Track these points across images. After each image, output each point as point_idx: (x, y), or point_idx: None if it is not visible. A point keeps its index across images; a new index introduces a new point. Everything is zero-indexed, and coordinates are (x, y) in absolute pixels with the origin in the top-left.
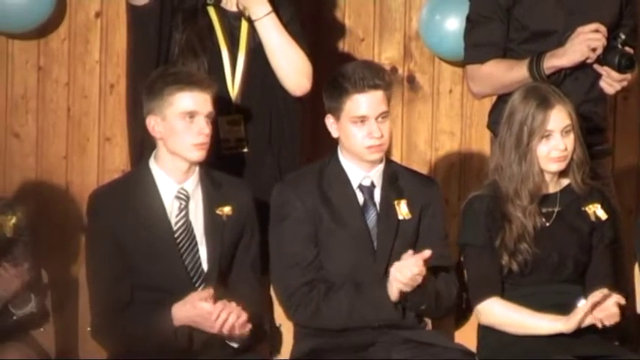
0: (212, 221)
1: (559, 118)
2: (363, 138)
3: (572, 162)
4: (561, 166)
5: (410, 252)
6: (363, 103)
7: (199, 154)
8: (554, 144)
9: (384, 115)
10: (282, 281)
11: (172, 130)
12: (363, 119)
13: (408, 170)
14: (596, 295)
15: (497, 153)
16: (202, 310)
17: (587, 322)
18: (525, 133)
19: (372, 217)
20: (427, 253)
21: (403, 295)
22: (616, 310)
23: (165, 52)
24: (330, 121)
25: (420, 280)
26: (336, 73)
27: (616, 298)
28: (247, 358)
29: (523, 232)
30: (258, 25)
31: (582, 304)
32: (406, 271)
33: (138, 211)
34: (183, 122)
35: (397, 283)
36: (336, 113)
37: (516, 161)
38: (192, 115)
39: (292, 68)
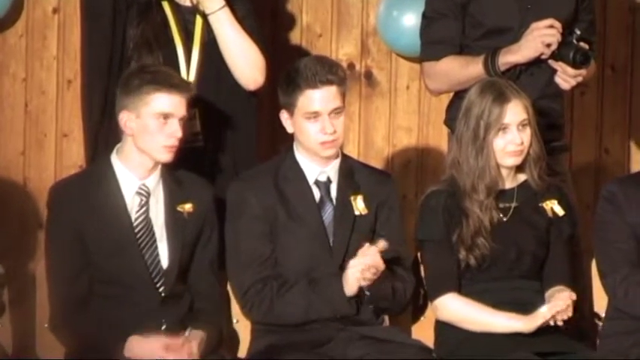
0: (173, 218)
1: (515, 111)
2: (316, 134)
3: (529, 157)
4: (517, 160)
5: (366, 245)
6: (316, 98)
7: (168, 156)
8: (511, 138)
9: (338, 110)
10: (237, 278)
11: (145, 128)
12: (315, 115)
13: (365, 166)
14: (558, 305)
15: (454, 148)
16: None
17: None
18: (482, 127)
19: (328, 213)
20: (382, 244)
21: (360, 291)
22: (569, 306)
23: (120, 47)
24: (284, 116)
25: (378, 273)
26: (290, 68)
27: (568, 296)
28: None
29: (480, 227)
30: (211, 19)
31: (544, 310)
32: (361, 266)
33: (98, 205)
34: (157, 122)
35: (354, 278)
36: (290, 109)
37: (473, 155)
38: (166, 116)
39: (246, 62)
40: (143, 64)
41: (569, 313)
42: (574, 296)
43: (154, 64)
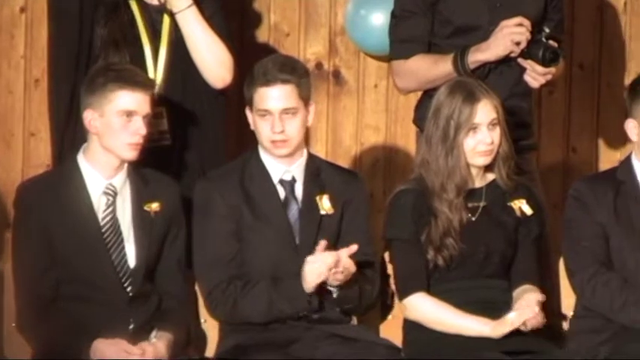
0: (140, 218)
1: (485, 111)
2: (267, 132)
3: (498, 156)
4: (487, 160)
5: (323, 243)
6: (267, 96)
7: (133, 154)
8: (481, 138)
9: (291, 111)
10: (203, 278)
11: (109, 127)
12: (266, 113)
13: (331, 165)
14: (526, 313)
15: (423, 147)
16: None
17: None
18: (452, 127)
19: (293, 212)
20: (354, 247)
21: (323, 289)
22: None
23: (87, 46)
24: (248, 113)
25: (349, 276)
26: (255, 65)
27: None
28: None
29: (449, 227)
30: (179, 17)
31: (512, 317)
32: (318, 264)
33: (65, 205)
34: (121, 120)
35: (311, 275)
36: (250, 105)
37: (443, 155)
38: (130, 114)
39: (213, 61)
40: (107, 63)
41: (540, 320)
42: (543, 298)
43: (117, 63)
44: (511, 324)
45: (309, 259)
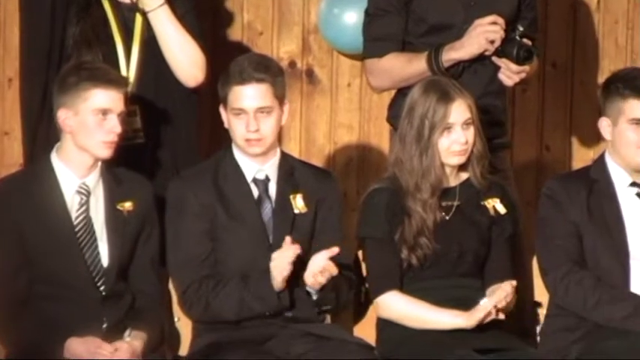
0: (113, 217)
1: (460, 111)
2: (241, 131)
3: (472, 155)
4: (462, 159)
5: (287, 239)
6: (242, 95)
7: (107, 152)
8: (456, 137)
9: (266, 110)
10: (177, 277)
11: (84, 125)
12: (241, 112)
13: (304, 164)
14: (498, 295)
15: (397, 147)
16: (97, 356)
17: (488, 318)
18: (426, 127)
19: (267, 211)
20: (335, 249)
21: (289, 286)
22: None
23: (59, 45)
24: (222, 111)
25: (328, 277)
26: (230, 64)
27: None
28: None
29: (422, 227)
30: (151, 16)
31: (484, 302)
32: (281, 260)
33: (38, 204)
34: (96, 119)
35: (276, 272)
36: (224, 104)
37: (417, 155)
38: (105, 112)
39: (186, 60)
40: (79, 62)
41: (509, 300)
42: (514, 283)
43: (90, 61)
44: (484, 309)
45: (273, 255)
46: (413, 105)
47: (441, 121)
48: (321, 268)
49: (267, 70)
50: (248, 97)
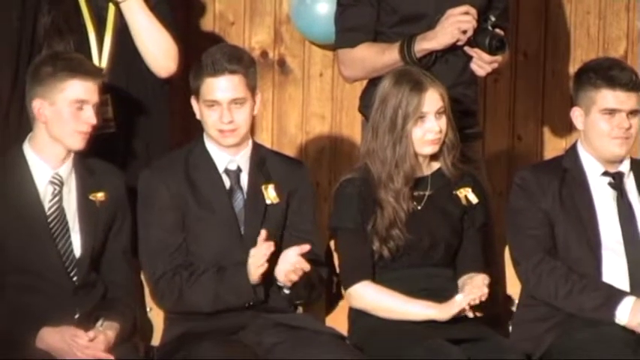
0: (85, 207)
1: (433, 100)
2: (214, 122)
3: (444, 145)
4: (435, 148)
5: (263, 233)
6: (215, 87)
7: (81, 143)
8: (429, 126)
9: (239, 101)
10: (148, 268)
11: (59, 116)
12: (214, 103)
13: (276, 154)
14: (474, 293)
15: (369, 138)
16: (72, 344)
17: (461, 314)
18: (400, 117)
19: (238, 202)
20: (306, 247)
21: (266, 279)
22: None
23: (30, 34)
24: (194, 102)
25: (300, 273)
26: (202, 55)
27: (481, 280)
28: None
29: (395, 219)
30: (123, 7)
31: (460, 299)
32: (259, 255)
33: (11, 195)
34: (72, 109)
35: (253, 267)
36: (196, 96)
37: (390, 145)
38: (81, 103)
39: (158, 50)
40: (54, 52)
41: (483, 295)
42: (487, 280)
43: (65, 51)
44: (459, 305)
45: (251, 252)
46: (385, 95)
47: (414, 111)
48: (292, 266)
49: (240, 61)
50: (221, 88)
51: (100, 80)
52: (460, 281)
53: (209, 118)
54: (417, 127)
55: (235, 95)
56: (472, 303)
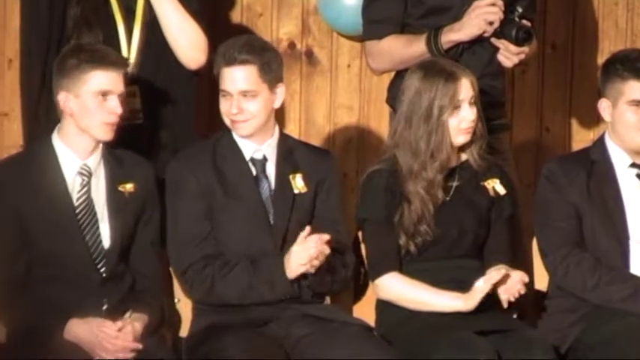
0: (114, 198)
1: (466, 88)
2: (226, 111)
3: (473, 136)
4: (467, 137)
5: (307, 229)
6: (226, 77)
7: (108, 134)
8: (465, 114)
9: (250, 93)
10: (177, 258)
11: (85, 107)
12: (226, 93)
13: (304, 144)
14: (494, 276)
15: (399, 128)
16: (100, 336)
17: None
18: (436, 108)
19: (264, 190)
20: (325, 237)
21: (302, 275)
22: (521, 287)
23: (60, 26)
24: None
25: (322, 259)
26: (220, 45)
27: (520, 276)
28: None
29: (423, 213)
30: None
31: (480, 284)
32: (305, 253)
33: (39, 186)
34: (97, 101)
35: (296, 264)
36: (218, 85)
37: (425, 136)
38: (105, 94)
39: (187, 42)
40: (77, 44)
41: (519, 289)
42: (526, 278)
43: (88, 43)
44: (480, 291)
45: (295, 248)
46: (417, 87)
47: (451, 100)
48: (315, 252)
49: (252, 51)
50: (231, 79)
51: (125, 70)
52: (487, 273)
53: (222, 107)
54: (452, 117)
55: (245, 87)
56: (511, 299)
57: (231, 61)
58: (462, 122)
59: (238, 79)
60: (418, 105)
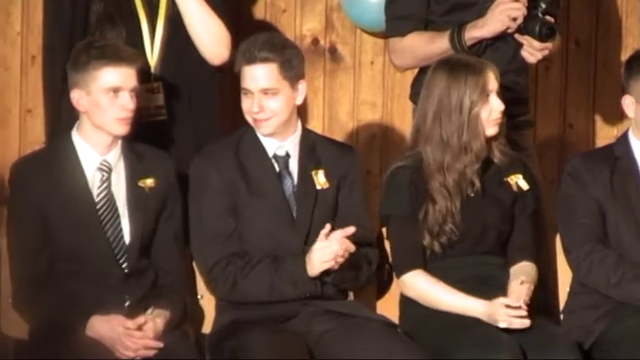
0: (135, 193)
1: (492, 79)
2: (247, 109)
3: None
4: (497, 129)
5: (327, 227)
6: (247, 75)
7: (123, 129)
8: (494, 105)
9: (270, 91)
10: (201, 254)
11: (97, 104)
12: (247, 91)
13: (326, 139)
14: (521, 293)
15: (427, 124)
16: (121, 333)
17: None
18: (467, 101)
19: (287, 187)
20: (350, 229)
21: (325, 272)
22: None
23: (83, 22)
24: None
25: (346, 255)
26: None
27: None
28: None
29: (447, 212)
30: None
31: (505, 301)
32: (327, 250)
33: (60, 182)
34: (108, 97)
35: (319, 262)
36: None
37: (456, 129)
38: (116, 90)
39: (210, 38)
40: (89, 40)
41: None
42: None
43: (99, 39)
44: (503, 311)
45: (317, 246)
46: (446, 83)
47: (481, 92)
48: (340, 249)
49: (272, 49)
50: (252, 77)
51: (137, 65)
52: (512, 270)
53: (243, 105)
54: (483, 110)
55: (265, 85)
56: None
57: (251, 60)
58: (492, 113)
59: (259, 77)
60: (447, 100)
